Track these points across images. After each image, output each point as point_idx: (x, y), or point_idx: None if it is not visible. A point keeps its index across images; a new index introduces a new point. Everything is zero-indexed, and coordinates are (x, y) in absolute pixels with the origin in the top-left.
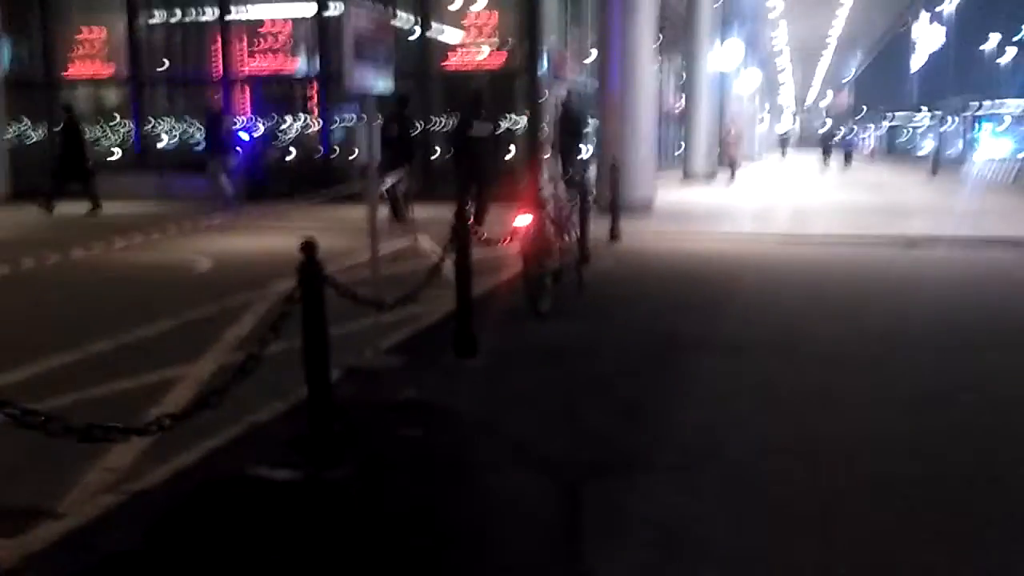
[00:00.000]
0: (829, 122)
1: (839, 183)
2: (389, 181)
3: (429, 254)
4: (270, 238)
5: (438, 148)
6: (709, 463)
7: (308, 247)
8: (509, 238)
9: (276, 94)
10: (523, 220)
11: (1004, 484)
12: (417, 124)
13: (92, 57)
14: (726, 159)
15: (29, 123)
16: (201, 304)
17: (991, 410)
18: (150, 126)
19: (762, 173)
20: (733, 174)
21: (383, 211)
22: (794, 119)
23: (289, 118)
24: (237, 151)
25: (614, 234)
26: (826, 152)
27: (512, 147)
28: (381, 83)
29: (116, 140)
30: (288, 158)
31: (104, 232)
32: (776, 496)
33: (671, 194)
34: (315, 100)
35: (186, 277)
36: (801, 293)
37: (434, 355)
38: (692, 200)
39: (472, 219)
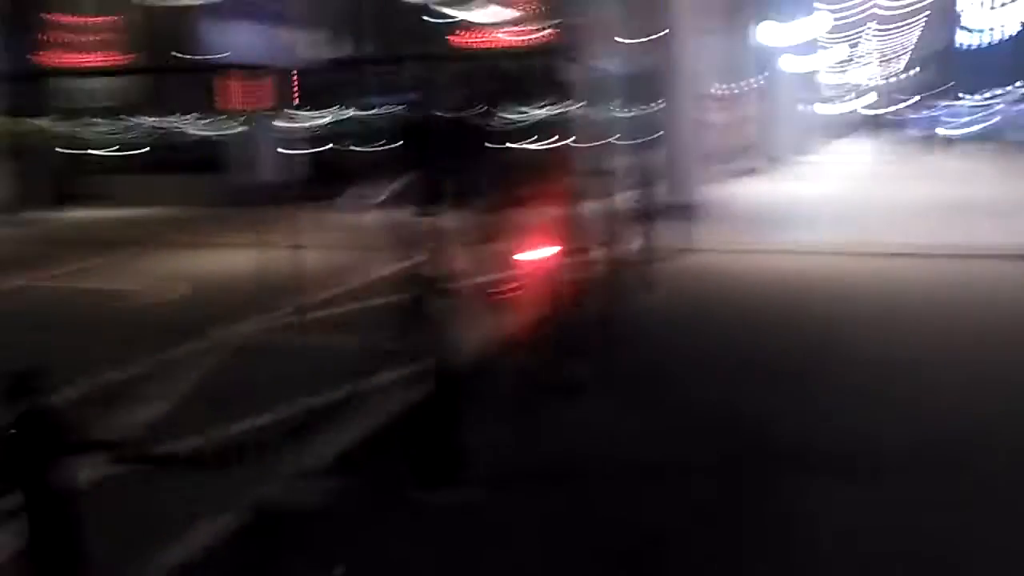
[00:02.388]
0: (907, 101)
1: (927, 173)
2: (394, 188)
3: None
4: (271, 254)
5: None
6: None
7: (22, 385)
8: (514, 283)
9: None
10: (540, 253)
11: None
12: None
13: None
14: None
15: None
16: (132, 357)
17: None
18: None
19: (836, 160)
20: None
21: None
22: (867, 97)
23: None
24: None
25: (668, 253)
26: (908, 136)
27: (542, 139)
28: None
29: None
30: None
31: (85, 246)
32: None
33: (735, 189)
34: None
35: (140, 311)
36: (945, 349)
37: (389, 481)
38: (760, 197)
39: (488, 233)
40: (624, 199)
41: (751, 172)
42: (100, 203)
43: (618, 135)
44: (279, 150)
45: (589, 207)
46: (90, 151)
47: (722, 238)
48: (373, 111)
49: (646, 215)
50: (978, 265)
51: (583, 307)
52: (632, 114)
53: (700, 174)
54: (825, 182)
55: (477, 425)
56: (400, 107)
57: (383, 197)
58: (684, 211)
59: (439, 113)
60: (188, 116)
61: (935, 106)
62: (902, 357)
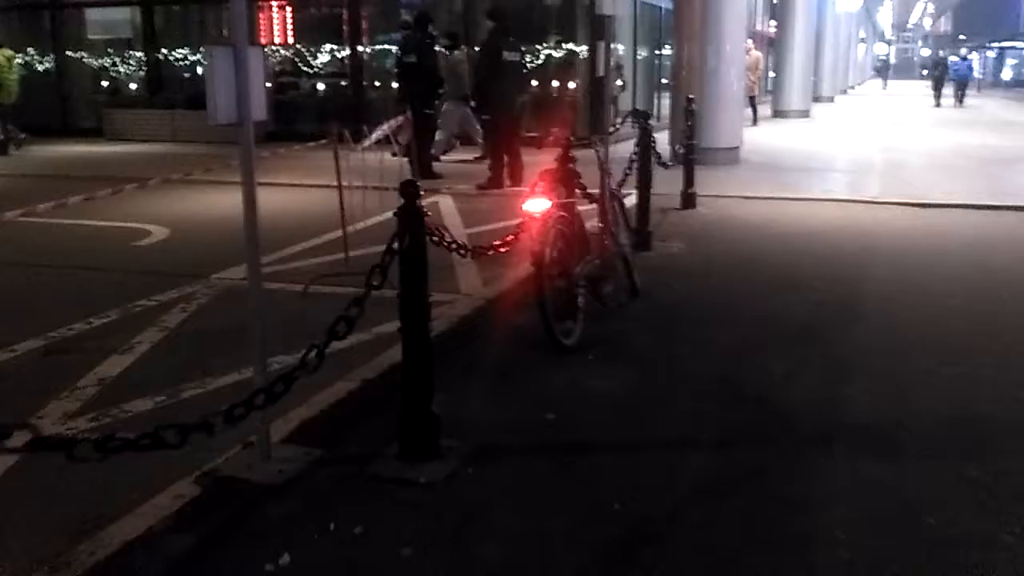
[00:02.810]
0: (934, 51)
1: (960, 122)
2: (385, 128)
3: (444, 224)
4: (265, 195)
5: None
6: None
7: None
8: (512, 238)
9: (309, 19)
10: (538, 205)
11: None
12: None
13: None
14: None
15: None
16: (104, 306)
17: None
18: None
19: (865, 108)
20: (754, 114)
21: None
22: (891, 45)
23: (325, 47)
24: None
25: (688, 199)
26: (938, 84)
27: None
28: None
29: (127, 73)
30: (318, 94)
31: (67, 185)
32: None
33: (761, 136)
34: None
35: (117, 256)
36: (983, 314)
37: (364, 450)
38: (787, 144)
39: (508, 177)
40: (660, 143)
41: (794, 113)
42: (90, 137)
43: (659, 76)
44: (280, 85)
45: (620, 151)
46: (82, 84)
47: (755, 185)
48: (386, 47)
49: (683, 160)
50: None
51: (587, 267)
52: (672, 53)
53: (742, 117)
54: (867, 125)
55: (467, 383)
56: (411, 44)
57: (389, 135)
58: (725, 156)
59: (462, 50)
60: (184, 50)
61: (968, 54)
62: (935, 322)
